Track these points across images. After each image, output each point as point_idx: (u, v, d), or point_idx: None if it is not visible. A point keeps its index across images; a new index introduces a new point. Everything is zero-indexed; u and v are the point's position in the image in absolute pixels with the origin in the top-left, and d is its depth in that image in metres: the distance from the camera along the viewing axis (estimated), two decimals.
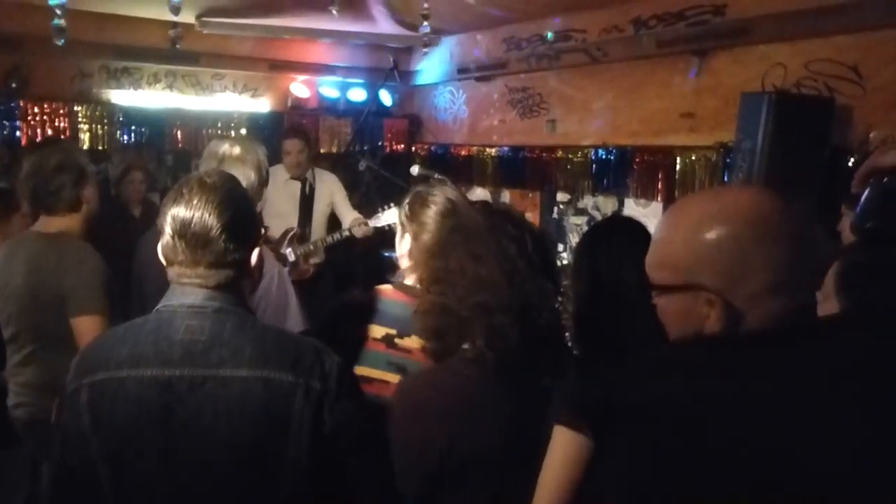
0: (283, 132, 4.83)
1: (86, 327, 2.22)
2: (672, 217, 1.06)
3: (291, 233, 4.42)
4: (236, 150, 2.11)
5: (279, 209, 4.44)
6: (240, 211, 1.38)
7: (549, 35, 4.61)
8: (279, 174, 4.50)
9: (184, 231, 1.34)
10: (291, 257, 4.35)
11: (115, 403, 1.30)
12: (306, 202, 4.59)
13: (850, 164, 3.15)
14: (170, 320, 1.35)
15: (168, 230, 1.36)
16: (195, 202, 1.34)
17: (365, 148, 5.59)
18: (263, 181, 2.24)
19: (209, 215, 1.33)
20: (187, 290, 1.37)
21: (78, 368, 1.36)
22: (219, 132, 5.18)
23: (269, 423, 1.30)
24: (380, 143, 5.92)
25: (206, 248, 1.34)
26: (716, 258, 0.97)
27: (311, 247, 4.46)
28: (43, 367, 2.36)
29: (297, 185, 4.58)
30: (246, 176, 2.06)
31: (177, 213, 1.35)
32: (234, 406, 1.29)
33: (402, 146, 6.07)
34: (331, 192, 4.67)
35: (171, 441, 1.29)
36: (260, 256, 1.48)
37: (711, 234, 0.97)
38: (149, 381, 1.30)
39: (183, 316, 1.35)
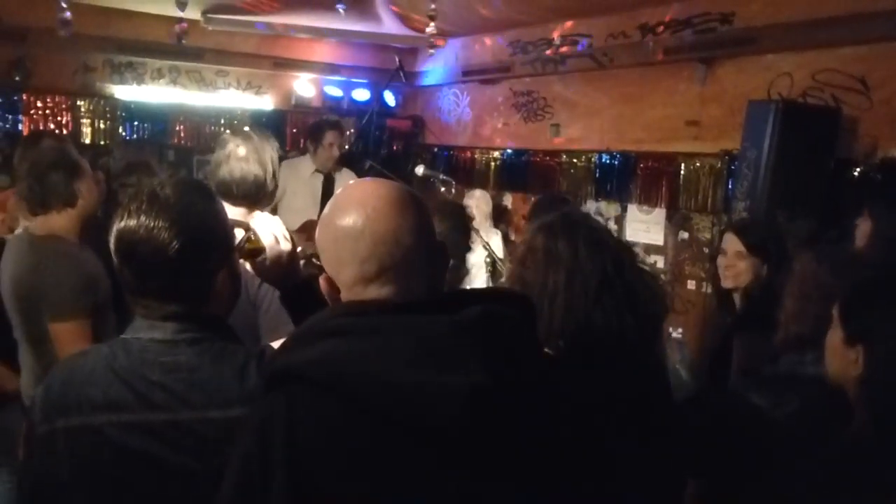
0: (321, 123, 4.74)
1: (60, 332, 2.21)
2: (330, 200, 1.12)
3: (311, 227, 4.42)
4: (241, 150, 2.04)
5: (299, 203, 4.41)
6: (199, 232, 1.20)
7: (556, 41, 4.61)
8: (304, 167, 4.50)
9: (129, 253, 1.18)
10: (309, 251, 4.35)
11: (96, 453, 1.17)
12: (327, 198, 4.58)
13: (854, 175, 3.15)
14: (141, 357, 1.20)
15: (114, 250, 1.19)
16: (142, 220, 1.16)
17: (368, 148, 5.58)
18: (273, 179, 2.07)
19: (158, 236, 1.15)
20: (155, 324, 1.21)
21: (45, 406, 1.21)
22: (222, 129, 5.16)
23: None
24: (383, 143, 5.91)
25: (155, 276, 1.18)
26: (324, 246, 1.06)
27: None
28: (25, 366, 2.38)
29: (321, 179, 4.57)
30: (254, 173, 2.01)
31: (123, 232, 1.18)
32: (227, 449, 1.12)
33: (405, 147, 6.06)
34: None
35: (160, 490, 1.17)
36: (234, 276, 1.33)
37: (325, 221, 1.06)
38: (129, 428, 1.17)
39: (156, 352, 1.20)
